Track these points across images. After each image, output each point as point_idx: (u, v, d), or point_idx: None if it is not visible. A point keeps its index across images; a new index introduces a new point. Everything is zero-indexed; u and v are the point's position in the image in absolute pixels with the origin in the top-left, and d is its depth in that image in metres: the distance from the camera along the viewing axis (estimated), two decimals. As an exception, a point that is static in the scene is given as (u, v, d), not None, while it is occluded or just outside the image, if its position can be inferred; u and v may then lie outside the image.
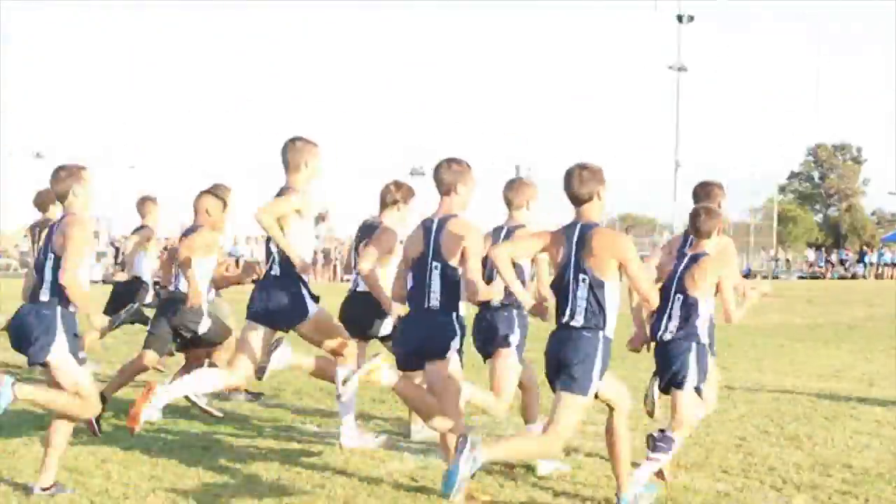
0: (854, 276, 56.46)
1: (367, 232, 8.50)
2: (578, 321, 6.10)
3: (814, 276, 57.04)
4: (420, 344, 6.75)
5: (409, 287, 6.91)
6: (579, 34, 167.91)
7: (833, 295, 33.76)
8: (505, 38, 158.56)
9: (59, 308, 6.58)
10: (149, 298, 11.56)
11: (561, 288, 6.20)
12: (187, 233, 9.11)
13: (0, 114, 64.82)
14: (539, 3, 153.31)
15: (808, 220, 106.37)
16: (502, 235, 7.54)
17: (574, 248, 6.13)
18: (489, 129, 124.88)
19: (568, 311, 6.14)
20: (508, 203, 7.75)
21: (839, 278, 56.31)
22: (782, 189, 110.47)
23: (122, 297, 11.37)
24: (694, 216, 7.15)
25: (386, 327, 8.46)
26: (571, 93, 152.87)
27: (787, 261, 65.55)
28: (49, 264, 6.60)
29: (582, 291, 6.08)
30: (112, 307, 11.19)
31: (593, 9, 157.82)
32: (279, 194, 7.42)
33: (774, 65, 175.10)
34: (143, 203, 11.74)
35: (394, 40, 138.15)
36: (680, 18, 73.11)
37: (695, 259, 6.99)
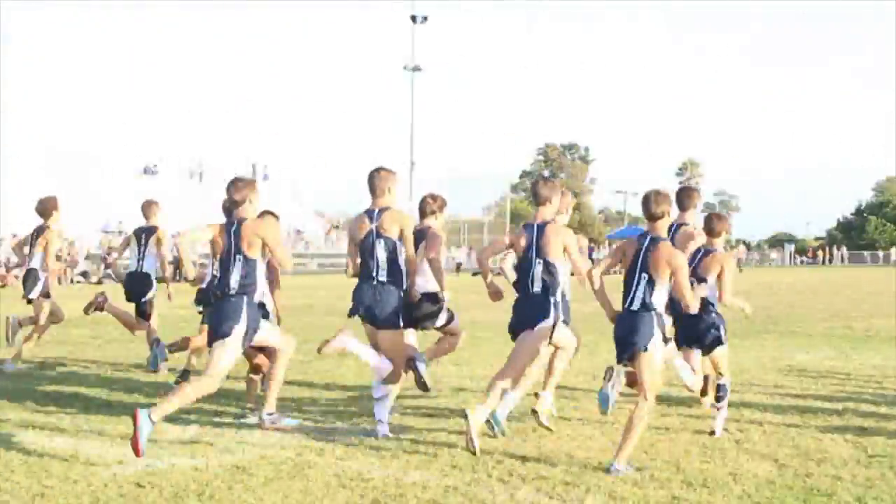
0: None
1: (418, 237, 9.26)
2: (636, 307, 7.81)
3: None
4: (524, 319, 8.61)
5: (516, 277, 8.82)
6: (314, 33, 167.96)
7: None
8: (238, 36, 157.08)
9: (244, 298, 8.39)
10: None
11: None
12: None
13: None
14: (272, 3, 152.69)
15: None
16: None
17: (642, 255, 7.88)
18: (225, 129, 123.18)
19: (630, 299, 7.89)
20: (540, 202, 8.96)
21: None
22: (514, 187, 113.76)
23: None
24: (708, 219, 9.29)
25: (440, 319, 9.41)
26: (308, 92, 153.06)
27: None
28: (238, 263, 8.36)
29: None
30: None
31: (328, 7, 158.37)
32: (382, 213, 8.92)
33: (507, 65, 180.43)
34: (149, 206, 13.42)
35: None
36: (414, 19, 74.03)
37: (708, 253, 9.07)
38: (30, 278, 12.91)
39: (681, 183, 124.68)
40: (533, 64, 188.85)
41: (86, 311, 13.00)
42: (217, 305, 8.61)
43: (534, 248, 8.59)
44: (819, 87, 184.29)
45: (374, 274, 8.83)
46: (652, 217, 7.99)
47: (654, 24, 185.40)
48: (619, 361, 7.98)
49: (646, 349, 7.67)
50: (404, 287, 8.90)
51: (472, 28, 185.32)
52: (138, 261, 13.06)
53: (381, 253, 8.82)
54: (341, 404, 10.51)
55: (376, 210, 8.96)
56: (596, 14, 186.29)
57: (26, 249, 13.25)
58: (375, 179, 8.95)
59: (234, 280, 8.43)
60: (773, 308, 24.32)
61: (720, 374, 9.10)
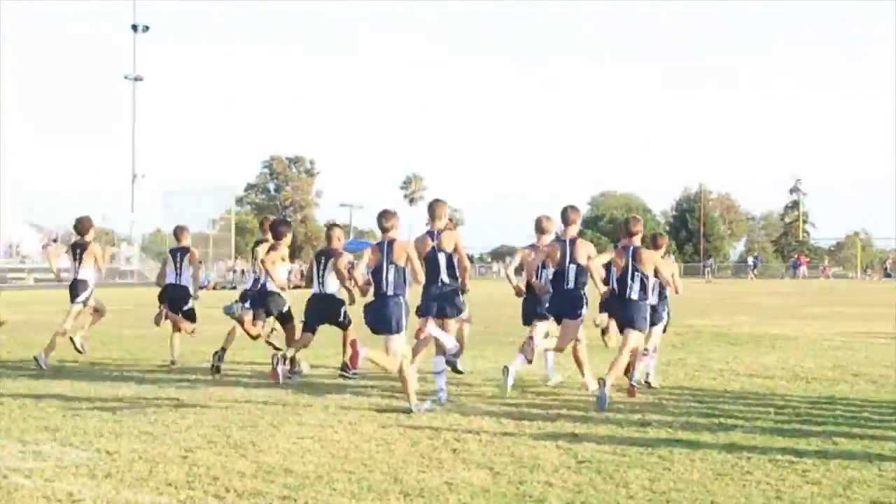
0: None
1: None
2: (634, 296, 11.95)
3: (297, 287, 58.27)
4: (560, 309, 12.17)
5: (550, 276, 12.33)
6: (33, 38, 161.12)
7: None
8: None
9: (400, 299, 10.82)
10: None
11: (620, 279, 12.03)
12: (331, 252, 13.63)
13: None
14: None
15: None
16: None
17: (631, 259, 12.00)
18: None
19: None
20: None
21: (294, 288, 58.06)
22: (239, 200, 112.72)
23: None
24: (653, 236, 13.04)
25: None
26: (25, 102, 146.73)
27: (243, 271, 66.83)
28: (392, 270, 10.81)
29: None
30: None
31: (46, 14, 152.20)
32: (441, 233, 12.18)
33: (233, 76, 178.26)
34: (181, 231, 16.33)
35: None
36: (135, 28, 72.19)
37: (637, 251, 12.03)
38: (80, 286, 15.30)
39: (406, 196, 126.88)
40: (257, 75, 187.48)
41: (157, 322, 15.96)
42: (377, 304, 10.89)
43: (567, 256, 12.02)
44: (536, 99, 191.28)
45: (439, 277, 12.00)
46: (630, 234, 12.24)
47: (374, 36, 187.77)
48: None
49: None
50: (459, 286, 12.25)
51: (196, 38, 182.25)
52: (176, 276, 15.78)
53: (442, 262, 11.96)
54: (54, 420, 10.05)
55: (436, 231, 12.20)
56: (320, 24, 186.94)
57: (64, 260, 16.14)
58: (436, 208, 12.37)
59: (390, 285, 10.83)
60: (494, 319, 24.86)
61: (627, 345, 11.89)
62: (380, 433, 9.48)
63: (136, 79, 72.98)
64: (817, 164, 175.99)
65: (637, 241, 12.21)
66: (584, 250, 12.05)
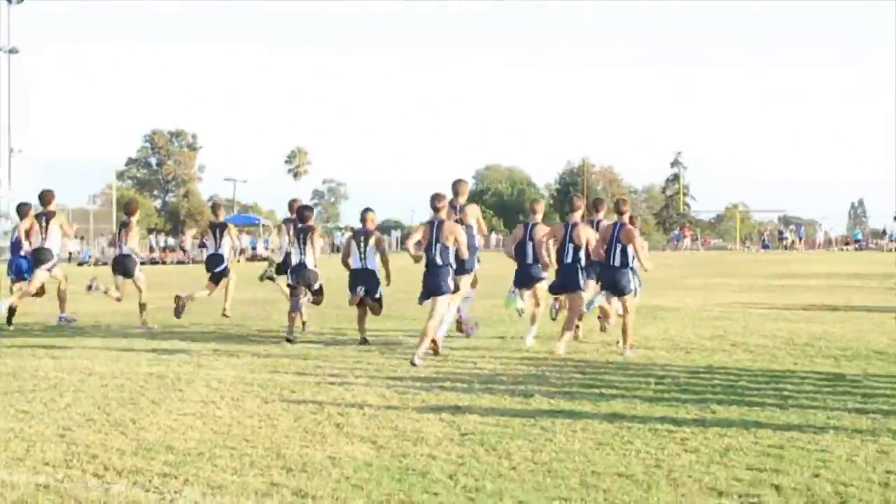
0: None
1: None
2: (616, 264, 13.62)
3: (154, 262, 57.61)
4: (563, 283, 14.22)
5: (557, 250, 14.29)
6: None
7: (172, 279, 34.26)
8: None
9: (448, 268, 12.95)
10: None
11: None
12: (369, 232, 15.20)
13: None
14: None
15: (146, 206, 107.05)
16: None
17: (614, 234, 13.69)
18: None
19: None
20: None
21: (178, 263, 57.49)
22: (120, 175, 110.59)
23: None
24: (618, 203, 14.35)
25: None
26: None
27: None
28: (440, 245, 12.89)
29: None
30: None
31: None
32: (463, 208, 14.48)
33: (114, 48, 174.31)
34: (219, 207, 18.89)
35: None
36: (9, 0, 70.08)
37: (622, 226, 13.69)
38: (128, 262, 17.70)
39: (290, 171, 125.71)
40: (138, 48, 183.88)
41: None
42: (432, 273, 13.01)
43: (568, 236, 13.99)
44: (422, 74, 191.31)
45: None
46: (620, 213, 13.83)
47: (256, 8, 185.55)
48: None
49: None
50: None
51: (74, 9, 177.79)
52: (216, 247, 17.67)
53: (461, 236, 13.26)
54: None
55: (458, 206, 14.37)
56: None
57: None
58: (458, 185, 14.73)
59: (439, 258, 12.95)
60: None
61: (627, 312, 13.70)
62: (263, 408, 9.42)
63: (11, 51, 70.75)
64: (698, 139, 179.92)
65: (626, 218, 13.81)
66: (582, 232, 14.00)
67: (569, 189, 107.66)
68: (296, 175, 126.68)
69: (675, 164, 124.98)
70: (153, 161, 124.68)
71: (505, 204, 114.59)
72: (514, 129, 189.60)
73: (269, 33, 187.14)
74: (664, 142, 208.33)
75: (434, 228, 13.03)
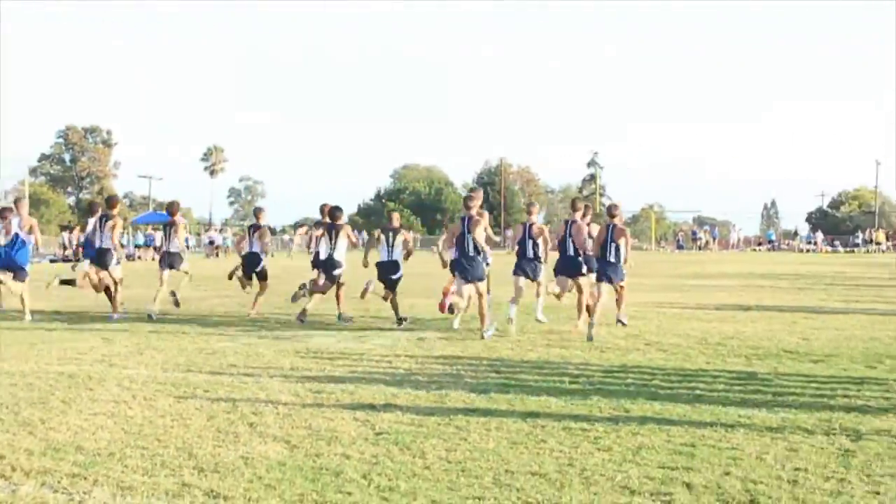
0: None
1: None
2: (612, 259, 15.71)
3: (66, 260, 56.62)
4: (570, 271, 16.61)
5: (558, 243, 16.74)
6: None
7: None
8: None
9: (479, 258, 15.53)
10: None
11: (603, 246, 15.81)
12: (396, 229, 17.96)
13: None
14: None
15: (60, 203, 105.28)
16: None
17: (609, 234, 15.71)
18: None
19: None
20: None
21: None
22: (33, 171, 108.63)
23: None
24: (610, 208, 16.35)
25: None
26: None
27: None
28: (470, 238, 15.47)
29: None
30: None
31: None
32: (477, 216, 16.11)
33: (28, 41, 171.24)
34: (260, 211, 20.74)
35: None
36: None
37: (615, 227, 15.73)
38: (175, 257, 19.41)
39: (206, 168, 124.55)
40: (53, 41, 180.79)
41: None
42: (466, 262, 15.53)
43: (567, 232, 16.46)
44: (340, 71, 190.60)
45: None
46: (612, 215, 15.85)
47: (174, 4, 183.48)
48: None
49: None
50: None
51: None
52: (250, 246, 19.72)
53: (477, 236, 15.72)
54: None
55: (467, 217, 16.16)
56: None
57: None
58: (473, 196, 16.44)
59: (471, 249, 15.49)
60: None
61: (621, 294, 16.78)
62: (175, 407, 9.31)
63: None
64: (614, 140, 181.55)
65: (617, 221, 15.87)
66: (582, 231, 16.35)
67: (486, 188, 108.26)
68: (212, 173, 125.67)
69: (591, 164, 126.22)
70: (67, 157, 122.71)
71: (423, 203, 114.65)
72: (432, 129, 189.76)
73: (184, 29, 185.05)
74: (581, 142, 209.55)
75: (465, 224, 15.70)
